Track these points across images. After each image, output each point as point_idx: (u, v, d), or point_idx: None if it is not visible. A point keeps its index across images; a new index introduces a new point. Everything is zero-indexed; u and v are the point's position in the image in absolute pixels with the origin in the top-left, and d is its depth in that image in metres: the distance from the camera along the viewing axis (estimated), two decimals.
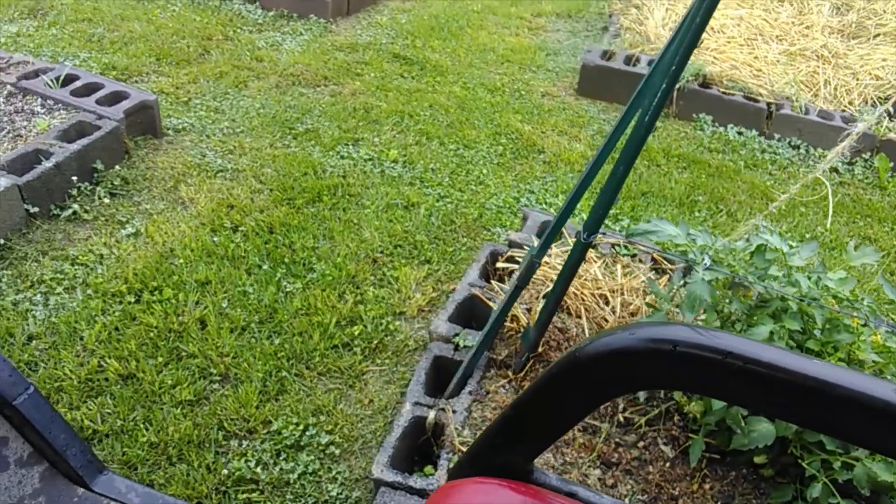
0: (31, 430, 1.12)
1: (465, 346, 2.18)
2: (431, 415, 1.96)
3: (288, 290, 2.62)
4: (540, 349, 2.11)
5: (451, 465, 1.75)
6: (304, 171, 3.25)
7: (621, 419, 1.99)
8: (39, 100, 3.12)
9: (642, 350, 0.73)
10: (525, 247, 2.59)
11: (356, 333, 2.48)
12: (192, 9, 4.68)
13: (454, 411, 1.96)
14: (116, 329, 2.37)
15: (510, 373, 2.12)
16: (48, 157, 2.77)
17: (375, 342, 2.47)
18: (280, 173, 3.22)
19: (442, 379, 2.16)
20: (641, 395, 2.03)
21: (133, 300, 2.48)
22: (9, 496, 1.12)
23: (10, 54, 3.43)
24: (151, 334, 2.36)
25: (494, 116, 3.94)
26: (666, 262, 2.63)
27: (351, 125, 3.68)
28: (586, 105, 4.22)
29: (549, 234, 1.93)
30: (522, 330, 2.15)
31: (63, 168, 2.77)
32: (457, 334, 2.23)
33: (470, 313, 2.38)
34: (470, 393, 2.03)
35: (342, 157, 3.42)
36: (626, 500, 1.82)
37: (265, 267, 2.69)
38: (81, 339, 2.32)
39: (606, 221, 3.10)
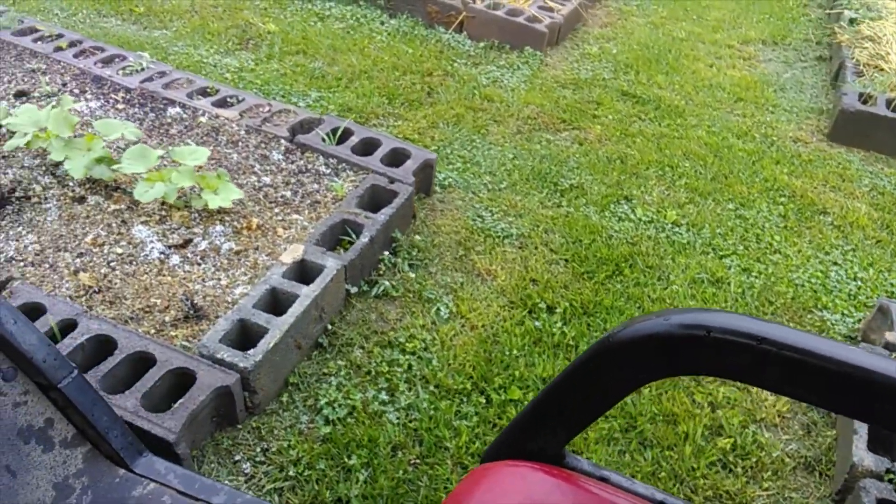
0: (74, 412, 1.15)
1: None
2: None
3: None
4: None
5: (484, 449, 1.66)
6: (592, 238, 3.00)
7: None
8: (321, 158, 2.93)
9: (676, 335, 0.72)
10: None
11: (727, 448, 2.22)
12: (400, 39, 4.46)
13: None
14: (478, 437, 2.16)
15: None
16: (358, 230, 2.57)
17: (753, 459, 2.21)
18: (567, 239, 2.98)
19: None
20: None
21: (483, 402, 2.26)
22: (54, 475, 1.15)
23: (267, 101, 3.26)
24: None
25: (756, 168, 3.63)
26: None
27: (613, 179, 3.41)
28: (844, 154, 3.87)
29: None
30: None
31: (375, 242, 2.57)
32: (889, 469, 1.95)
33: (879, 441, 2.10)
34: None
35: (620, 219, 3.15)
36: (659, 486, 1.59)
37: None
38: (447, 450, 2.11)
39: None
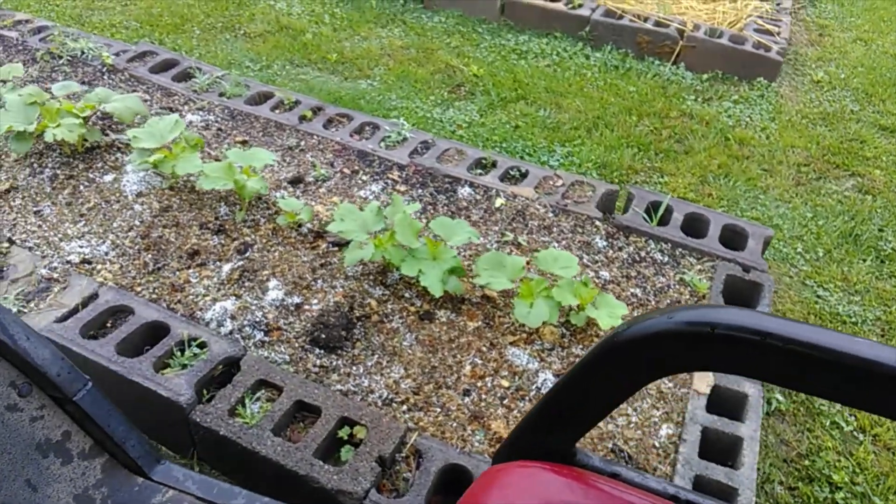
0: (91, 424, 1.17)
1: None
2: None
3: None
4: None
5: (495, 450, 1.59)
6: None
7: None
8: (651, 242, 2.59)
9: (681, 332, 0.73)
10: None
11: None
12: (615, 75, 4.10)
13: None
14: None
15: None
16: None
17: None
18: None
19: None
20: None
21: None
22: (74, 487, 1.16)
23: (551, 171, 2.92)
24: None
25: None
26: None
27: None
28: None
29: None
30: None
31: None
32: None
33: None
34: None
35: None
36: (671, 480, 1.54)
37: None
38: None
39: None
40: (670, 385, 2.09)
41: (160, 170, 2.52)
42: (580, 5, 4.41)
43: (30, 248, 2.38)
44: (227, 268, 2.33)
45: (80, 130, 2.60)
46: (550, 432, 0.95)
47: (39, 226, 2.48)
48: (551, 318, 2.10)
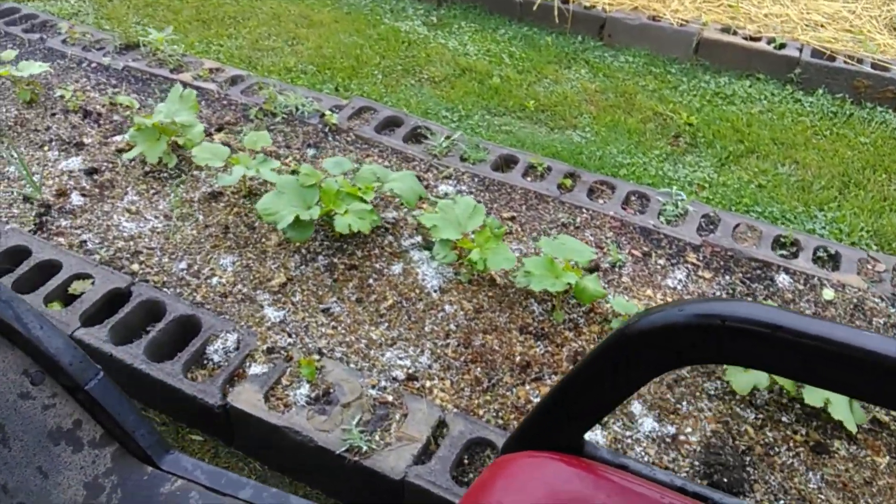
0: (102, 413, 1.18)
1: None
2: None
3: None
4: None
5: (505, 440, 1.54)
6: None
7: None
8: None
9: (691, 325, 0.73)
10: None
11: None
12: (836, 122, 3.78)
13: None
14: None
15: None
16: None
17: None
18: None
19: None
20: None
21: None
22: (84, 475, 1.17)
23: (863, 252, 2.61)
24: None
25: None
26: None
27: None
28: None
29: None
30: None
31: None
32: None
33: None
34: None
35: None
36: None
37: None
38: None
39: None
40: None
41: (473, 265, 2.23)
42: (783, 45, 4.09)
43: (340, 359, 2.09)
44: None
45: (372, 217, 2.31)
46: (559, 423, 0.94)
47: (335, 328, 2.20)
48: None
